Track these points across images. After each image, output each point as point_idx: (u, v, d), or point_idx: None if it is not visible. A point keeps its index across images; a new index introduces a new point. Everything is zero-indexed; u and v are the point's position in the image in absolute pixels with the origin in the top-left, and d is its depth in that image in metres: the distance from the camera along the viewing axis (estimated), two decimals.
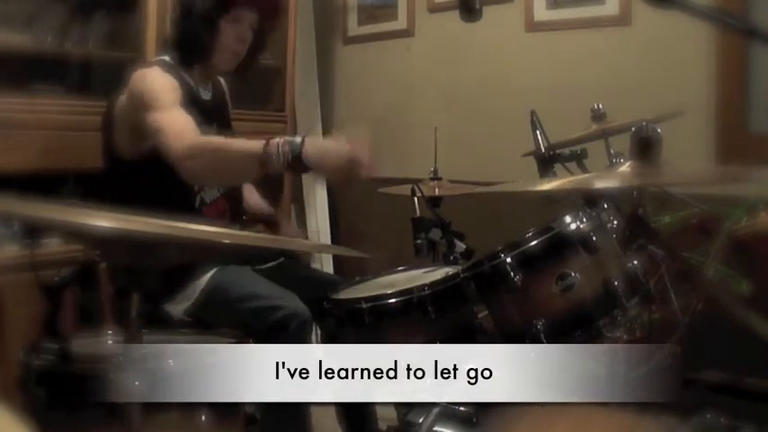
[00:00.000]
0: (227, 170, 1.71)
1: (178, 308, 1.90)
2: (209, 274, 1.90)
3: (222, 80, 2.21)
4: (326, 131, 3.62)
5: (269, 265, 2.10)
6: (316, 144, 1.54)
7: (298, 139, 1.54)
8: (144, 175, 1.86)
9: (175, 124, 1.71)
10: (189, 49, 1.96)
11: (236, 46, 1.98)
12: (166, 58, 1.97)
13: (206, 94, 2.07)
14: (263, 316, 1.80)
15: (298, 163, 1.53)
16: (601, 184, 1.54)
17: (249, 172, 1.72)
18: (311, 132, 3.51)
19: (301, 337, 1.81)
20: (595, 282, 1.50)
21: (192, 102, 1.91)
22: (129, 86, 1.85)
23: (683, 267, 1.93)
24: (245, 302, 1.85)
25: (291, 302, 1.83)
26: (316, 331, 2.06)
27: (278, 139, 1.55)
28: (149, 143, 1.75)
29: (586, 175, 1.93)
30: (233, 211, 2.14)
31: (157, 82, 1.83)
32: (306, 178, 3.54)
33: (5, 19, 2.43)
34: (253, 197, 2.36)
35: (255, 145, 1.59)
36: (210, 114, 2.04)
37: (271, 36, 2.22)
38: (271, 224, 2.33)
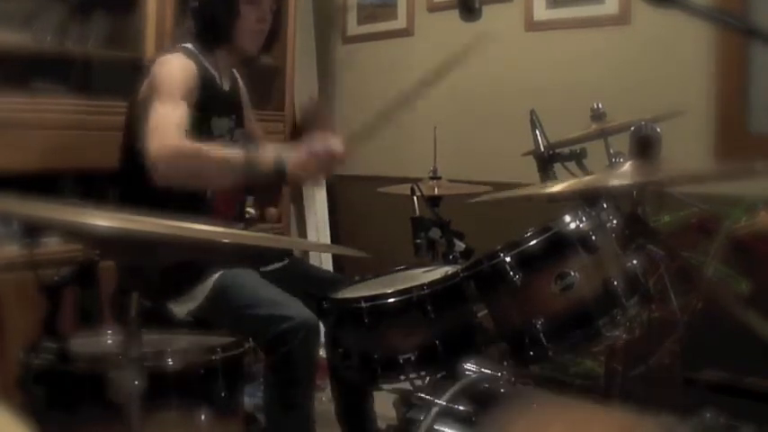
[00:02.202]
0: (201, 177, 1.72)
1: (182, 308, 1.89)
2: (215, 277, 1.88)
3: (238, 76, 2.21)
4: None
5: (273, 267, 2.09)
6: (298, 159, 1.65)
7: (283, 156, 1.63)
8: None
9: (164, 120, 1.70)
10: (211, 33, 1.97)
11: (257, 26, 1.99)
12: (189, 45, 1.97)
13: (226, 85, 2.07)
14: (270, 325, 1.76)
15: (279, 177, 1.65)
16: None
17: (227, 180, 1.75)
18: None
19: (308, 347, 1.80)
20: (595, 281, 1.49)
21: (211, 91, 1.91)
22: (151, 72, 1.86)
23: (683, 267, 1.93)
24: (251, 309, 1.82)
25: (298, 311, 1.79)
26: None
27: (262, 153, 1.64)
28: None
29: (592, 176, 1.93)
30: (240, 204, 2.14)
31: (173, 70, 1.84)
32: None
33: (5, 18, 2.43)
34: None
35: (238, 155, 1.65)
36: (230, 106, 2.05)
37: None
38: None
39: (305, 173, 1.71)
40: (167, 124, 1.70)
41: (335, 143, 1.71)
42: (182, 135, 1.69)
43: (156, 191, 1.77)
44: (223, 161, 1.67)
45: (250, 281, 1.92)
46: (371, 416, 2.10)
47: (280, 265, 2.10)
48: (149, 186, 1.89)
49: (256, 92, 2.87)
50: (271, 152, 1.69)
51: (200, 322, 1.87)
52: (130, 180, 1.99)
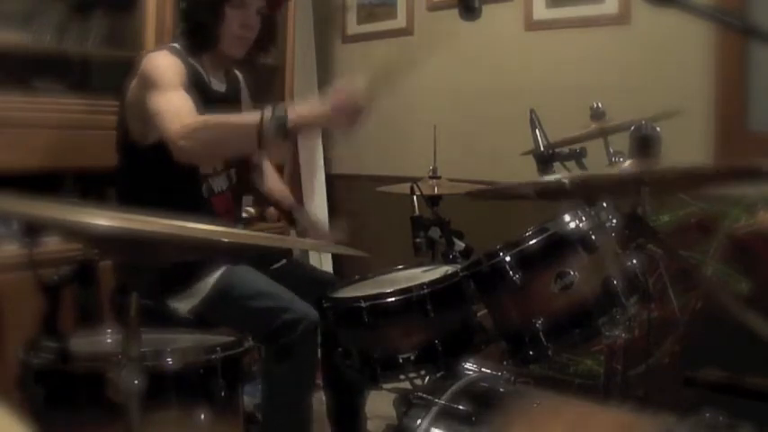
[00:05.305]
0: (222, 146, 1.75)
1: (183, 305, 1.89)
2: (217, 273, 1.90)
3: (239, 75, 2.21)
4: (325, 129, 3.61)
5: (272, 267, 2.10)
6: (300, 110, 1.66)
7: (283, 110, 1.62)
8: (154, 164, 1.86)
9: (173, 104, 1.73)
10: (196, 36, 1.98)
11: (241, 32, 1.98)
12: (176, 45, 1.98)
13: (218, 85, 2.07)
14: (271, 317, 1.80)
15: (287, 132, 1.62)
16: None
17: (246, 146, 1.77)
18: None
19: (308, 340, 1.81)
20: (594, 280, 1.49)
21: (200, 89, 1.91)
22: (139, 70, 1.87)
23: (682, 266, 1.93)
24: (252, 302, 1.86)
25: (300, 306, 1.83)
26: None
27: (266, 111, 1.62)
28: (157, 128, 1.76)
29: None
30: (238, 205, 2.15)
31: (163, 63, 1.85)
32: (305, 177, 3.54)
33: (5, 18, 2.43)
34: (277, 185, 2.38)
35: (252, 118, 1.64)
36: (221, 106, 2.04)
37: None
38: (288, 217, 2.33)
39: (314, 122, 1.69)
40: (178, 106, 1.72)
41: (352, 91, 1.70)
42: (194, 112, 1.72)
43: (155, 190, 1.78)
44: (238, 125, 1.69)
45: (251, 276, 1.94)
46: (363, 417, 2.11)
47: (278, 265, 2.11)
48: (147, 186, 1.90)
49: (255, 90, 2.87)
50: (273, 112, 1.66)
51: (200, 320, 1.88)
52: (129, 179, 2.00)
